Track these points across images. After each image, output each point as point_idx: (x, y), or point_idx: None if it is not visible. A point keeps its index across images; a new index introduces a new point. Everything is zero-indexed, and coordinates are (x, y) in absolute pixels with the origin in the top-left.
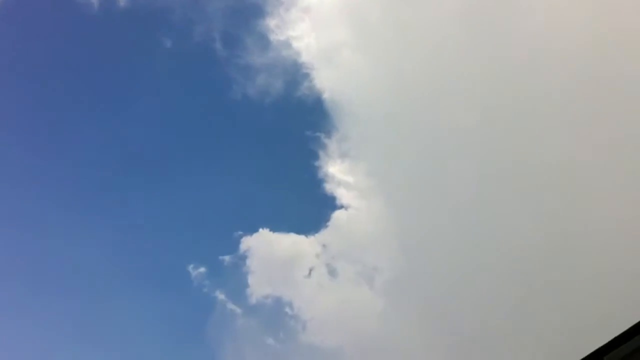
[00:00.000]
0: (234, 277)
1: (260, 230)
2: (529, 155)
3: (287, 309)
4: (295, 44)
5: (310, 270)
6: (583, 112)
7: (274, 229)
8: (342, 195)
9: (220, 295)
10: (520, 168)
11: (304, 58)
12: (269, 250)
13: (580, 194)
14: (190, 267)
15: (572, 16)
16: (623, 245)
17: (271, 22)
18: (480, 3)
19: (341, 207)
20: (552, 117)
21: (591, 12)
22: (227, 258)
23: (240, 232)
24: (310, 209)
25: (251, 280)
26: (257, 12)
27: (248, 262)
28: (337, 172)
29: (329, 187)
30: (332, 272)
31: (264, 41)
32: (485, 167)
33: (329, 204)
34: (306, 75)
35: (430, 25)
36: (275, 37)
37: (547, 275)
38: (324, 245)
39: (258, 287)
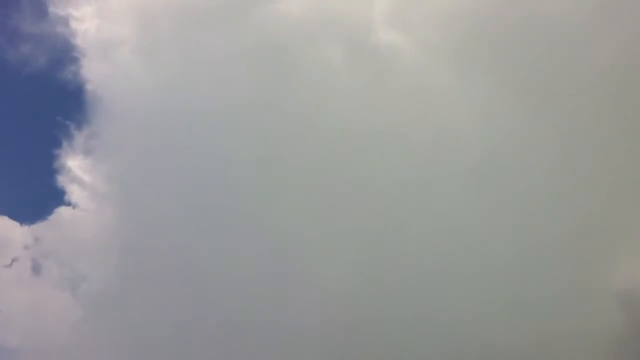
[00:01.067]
0: None
1: None
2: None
3: None
4: (74, 25)
5: (13, 260)
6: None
7: None
8: (74, 192)
9: None
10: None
11: (79, 42)
12: None
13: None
14: None
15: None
16: None
17: None
18: (275, 44)
19: (69, 204)
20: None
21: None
22: None
23: None
24: (34, 196)
25: None
26: None
27: None
28: (76, 167)
29: (62, 179)
30: (36, 269)
31: (41, 9)
32: (242, 189)
33: (57, 198)
34: (75, 60)
35: (219, 54)
36: (55, 9)
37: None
38: (36, 239)
39: None
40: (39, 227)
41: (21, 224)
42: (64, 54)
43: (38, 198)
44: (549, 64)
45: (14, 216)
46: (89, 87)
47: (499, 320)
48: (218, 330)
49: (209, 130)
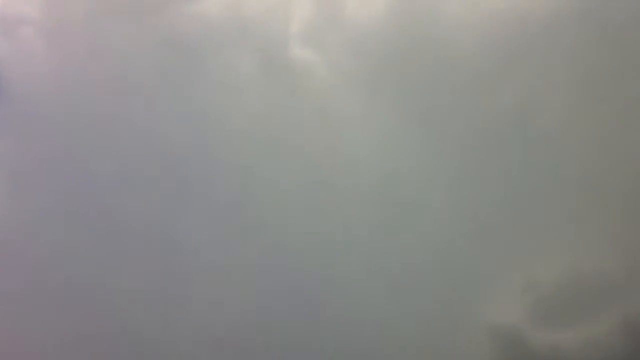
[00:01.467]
0: None
1: None
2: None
3: None
4: None
5: None
6: None
7: None
8: None
9: None
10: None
11: None
12: None
13: None
14: None
15: None
16: None
17: None
18: (186, 44)
19: None
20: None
21: None
22: None
23: None
24: None
25: None
26: None
27: None
28: None
29: None
30: None
31: None
32: (142, 189)
33: None
34: None
35: (127, 46)
36: None
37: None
38: None
39: None
40: None
41: None
42: None
43: None
44: (457, 105)
45: None
46: None
47: (369, 350)
48: (103, 335)
49: (109, 124)
